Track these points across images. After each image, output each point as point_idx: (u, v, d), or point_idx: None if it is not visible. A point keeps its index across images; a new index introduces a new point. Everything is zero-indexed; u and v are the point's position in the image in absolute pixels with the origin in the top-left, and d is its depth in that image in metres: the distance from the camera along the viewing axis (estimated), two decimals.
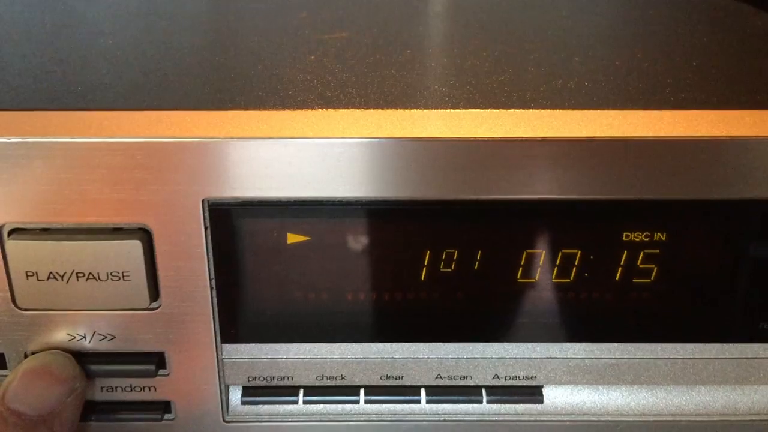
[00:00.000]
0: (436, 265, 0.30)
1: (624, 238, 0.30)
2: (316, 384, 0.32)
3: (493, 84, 0.32)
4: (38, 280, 0.29)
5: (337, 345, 0.32)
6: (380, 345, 0.32)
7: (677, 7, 0.51)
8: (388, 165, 0.28)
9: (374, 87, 0.31)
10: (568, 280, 0.31)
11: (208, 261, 0.29)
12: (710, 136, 0.28)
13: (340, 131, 0.27)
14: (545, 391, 0.33)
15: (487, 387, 0.33)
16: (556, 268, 0.31)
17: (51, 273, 0.29)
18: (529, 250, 0.30)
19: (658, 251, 0.30)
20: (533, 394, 0.33)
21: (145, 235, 0.28)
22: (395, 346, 0.32)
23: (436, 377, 0.32)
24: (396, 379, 0.32)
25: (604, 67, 0.35)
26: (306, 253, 0.30)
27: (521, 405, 0.33)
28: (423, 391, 0.33)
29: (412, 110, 0.28)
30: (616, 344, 0.32)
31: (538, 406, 0.33)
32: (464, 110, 0.28)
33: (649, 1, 0.53)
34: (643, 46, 0.40)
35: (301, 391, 0.33)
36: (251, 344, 0.31)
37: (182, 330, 0.30)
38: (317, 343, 0.32)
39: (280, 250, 0.30)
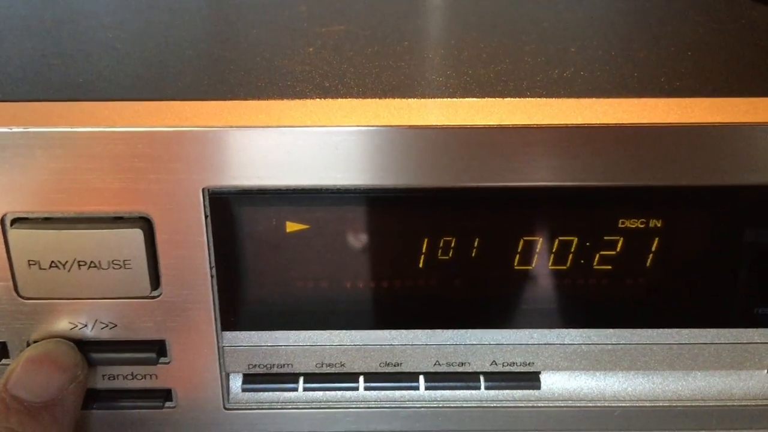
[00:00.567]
0: (433, 252, 0.31)
1: (620, 225, 0.30)
2: (316, 371, 0.33)
3: (489, 74, 0.32)
4: (40, 268, 0.29)
5: (337, 332, 0.32)
6: (379, 332, 0.32)
7: None
8: (385, 153, 0.28)
9: (372, 77, 0.31)
10: (565, 267, 0.31)
11: (209, 249, 0.29)
12: (704, 123, 0.28)
13: (338, 120, 0.28)
14: (542, 377, 0.33)
15: (485, 373, 0.33)
16: (552, 255, 0.31)
17: (53, 262, 0.29)
18: (525, 237, 0.31)
19: (654, 237, 0.31)
20: (531, 380, 0.33)
21: (145, 224, 0.29)
22: (394, 333, 0.32)
23: (435, 364, 0.33)
24: (395, 366, 0.33)
25: (600, 57, 0.35)
26: (305, 241, 0.30)
27: (519, 391, 0.33)
28: (422, 378, 0.33)
29: (410, 99, 0.29)
30: (612, 330, 0.32)
31: (535, 392, 0.33)
32: (461, 99, 0.29)
33: None
34: (639, 36, 0.41)
35: (301, 379, 0.33)
36: (251, 332, 0.32)
37: (183, 318, 0.31)
38: (316, 331, 0.32)
39: (279, 238, 0.30)
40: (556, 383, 0.34)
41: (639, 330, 0.32)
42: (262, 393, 0.33)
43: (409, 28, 0.42)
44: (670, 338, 0.32)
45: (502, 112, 0.28)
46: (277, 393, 0.33)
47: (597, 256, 0.31)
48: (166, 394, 0.32)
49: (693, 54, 0.35)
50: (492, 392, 0.33)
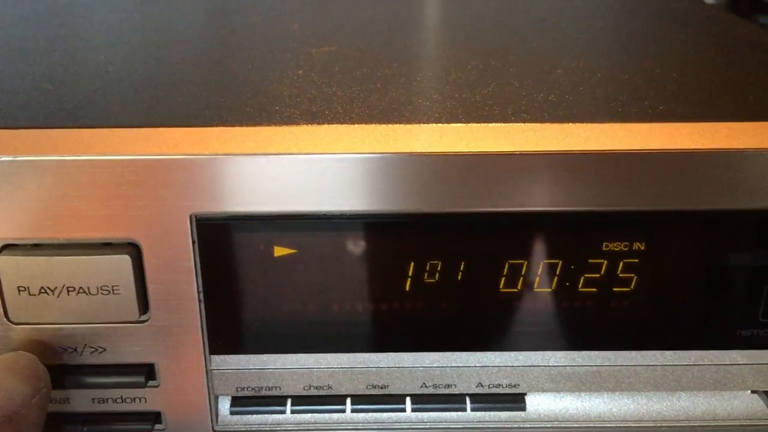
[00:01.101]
0: (420, 276, 0.31)
1: (604, 248, 0.31)
2: (304, 394, 0.33)
3: (475, 97, 0.32)
4: (30, 294, 0.29)
5: (324, 356, 0.32)
6: (366, 355, 0.32)
7: (662, 17, 0.52)
8: (370, 179, 0.28)
9: (359, 102, 0.32)
10: (550, 290, 0.31)
11: (196, 274, 0.30)
12: (685, 149, 0.28)
13: (323, 147, 0.28)
14: (528, 398, 0.34)
15: (471, 395, 0.33)
16: (537, 278, 0.31)
17: (42, 287, 0.29)
18: (511, 261, 0.31)
19: (637, 261, 0.31)
20: (516, 401, 0.33)
21: (134, 250, 0.29)
22: (381, 356, 0.32)
23: (421, 386, 0.33)
24: (381, 388, 0.33)
25: (585, 79, 0.35)
26: (293, 266, 0.31)
27: (504, 412, 0.34)
28: (408, 400, 0.33)
29: (395, 125, 0.29)
30: (597, 352, 0.33)
31: (521, 414, 0.34)
32: (446, 125, 0.29)
33: (632, 13, 0.54)
34: (625, 58, 0.41)
35: (289, 401, 0.33)
36: (239, 355, 0.32)
37: (171, 342, 0.31)
38: (304, 354, 0.32)
39: (267, 262, 0.30)
40: (541, 405, 0.34)
41: (623, 352, 0.33)
42: (250, 415, 0.33)
43: (399, 48, 0.43)
44: (654, 360, 0.33)
45: (487, 138, 0.29)
46: (265, 415, 0.33)
47: (582, 278, 0.31)
48: (155, 417, 0.33)
49: (678, 76, 0.36)
50: (478, 414, 0.33)
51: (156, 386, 0.32)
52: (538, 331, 0.32)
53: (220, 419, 0.33)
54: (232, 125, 0.29)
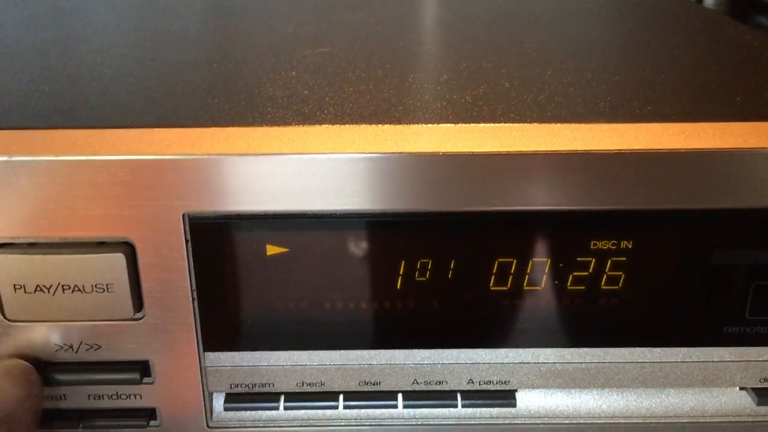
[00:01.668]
0: (411, 274, 0.31)
1: (592, 247, 0.31)
2: (297, 390, 0.33)
3: (466, 97, 0.33)
4: (26, 292, 0.30)
5: (316, 352, 0.33)
6: (358, 352, 0.33)
7: (652, 19, 0.53)
8: (361, 179, 0.29)
9: (350, 103, 0.32)
10: (539, 288, 0.32)
11: (190, 273, 0.30)
12: (671, 149, 0.29)
13: (314, 147, 0.29)
14: (518, 395, 0.34)
15: (462, 391, 0.34)
16: (527, 276, 0.32)
17: (38, 285, 0.30)
18: (500, 259, 0.31)
19: (625, 259, 0.31)
20: (507, 398, 0.34)
21: (128, 249, 0.30)
22: (373, 353, 0.33)
23: (413, 383, 0.33)
24: (374, 384, 0.33)
25: (575, 81, 0.36)
26: (285, 264, 0.31)
27: (495, 409, 0.34)
28: (400, 396, 0.34)
29: (385, 126, 0.29)
30: (586, 349, 0.33)
31: (511, 410, 0.34)
32: (436, 125, 0.30)
33: (623, 15, 0.55)
34: (615, 60, 0.41)
35: (282, 398, 0.34)
36: (233, 352, 0.32)
37: (166, 339, 0.31)
38: (297, 351, 0.33)
39: (259, 261, 0.31)
40: (531, 401, 0.34)
41: (612, 349, 0.33)
42: (244, 412, 0.34)
43: (391, 50, 0.43)
44: (642, 357, 0.33)
45: (476, 139, 0.29)
46: (259, 412, 0.34)
47: (570, 277, 0.32)
48: (150, 414, 0.33)
49: (666, 77, 0.36)
50: (469, 410, 0.34)
51: (151, 383, 0.32)
52: (528, 328, 0.33)
53: (214, 415, 0.34)
54: (225, 126, 0.29)
